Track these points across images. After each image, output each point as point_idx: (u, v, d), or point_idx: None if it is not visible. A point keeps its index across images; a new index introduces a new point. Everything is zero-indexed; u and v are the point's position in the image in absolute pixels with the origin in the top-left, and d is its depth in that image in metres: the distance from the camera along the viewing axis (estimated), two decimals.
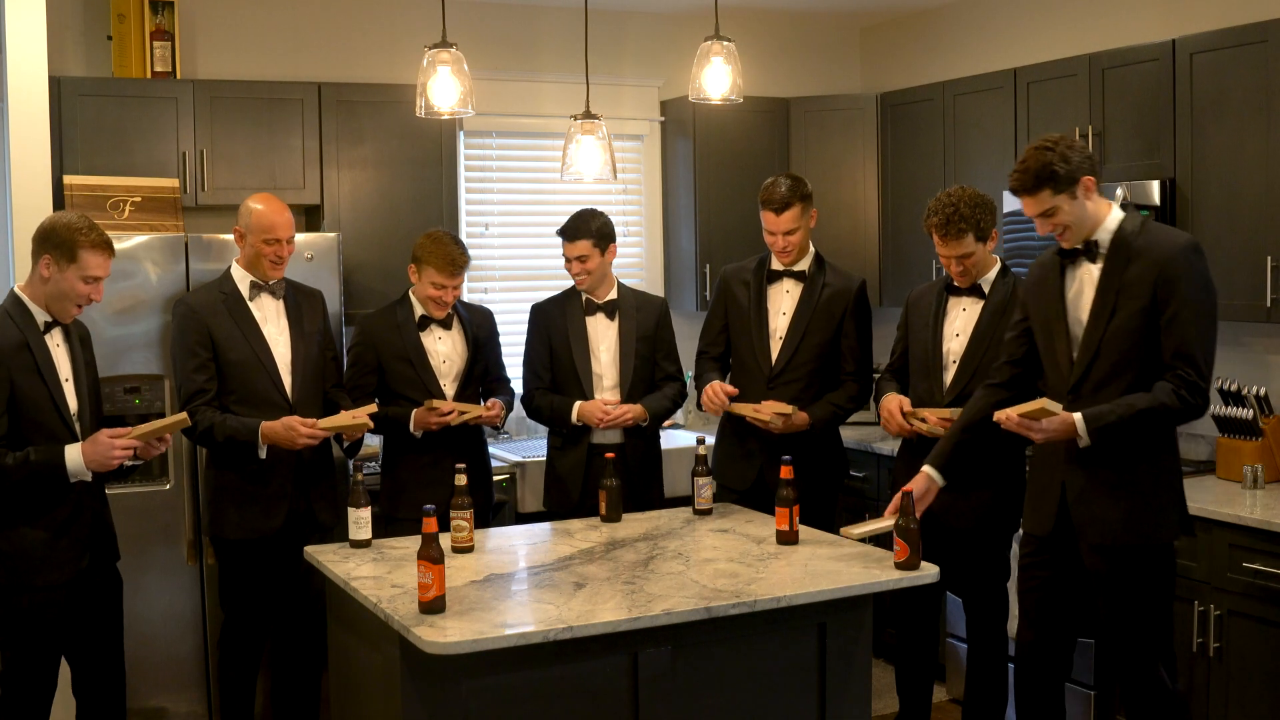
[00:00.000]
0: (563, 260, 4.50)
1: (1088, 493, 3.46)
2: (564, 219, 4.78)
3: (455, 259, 4.28)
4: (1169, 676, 3.51)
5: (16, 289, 3.65)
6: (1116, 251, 3.41)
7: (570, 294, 4.58)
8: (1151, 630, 3.46)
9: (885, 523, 3.59)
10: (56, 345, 3.65)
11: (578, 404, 4.43)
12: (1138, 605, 3.45)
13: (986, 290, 4.03)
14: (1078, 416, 3.38)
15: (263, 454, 4.02)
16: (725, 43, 3.91)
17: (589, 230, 4.42)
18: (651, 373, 4.57)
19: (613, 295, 4.54)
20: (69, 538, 3.61)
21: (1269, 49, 4.12)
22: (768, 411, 4.20)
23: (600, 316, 4.51)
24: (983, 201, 3.96)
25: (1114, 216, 3.46)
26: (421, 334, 4.36)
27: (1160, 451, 3.44)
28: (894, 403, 4.07)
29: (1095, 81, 4.72)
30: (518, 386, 4.64)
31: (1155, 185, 4.42)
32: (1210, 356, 3.36)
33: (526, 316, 4.65)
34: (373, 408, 4.09)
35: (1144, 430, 3.37)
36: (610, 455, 4.10)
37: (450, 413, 4.23)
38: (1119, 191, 4.47)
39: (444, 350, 4.38)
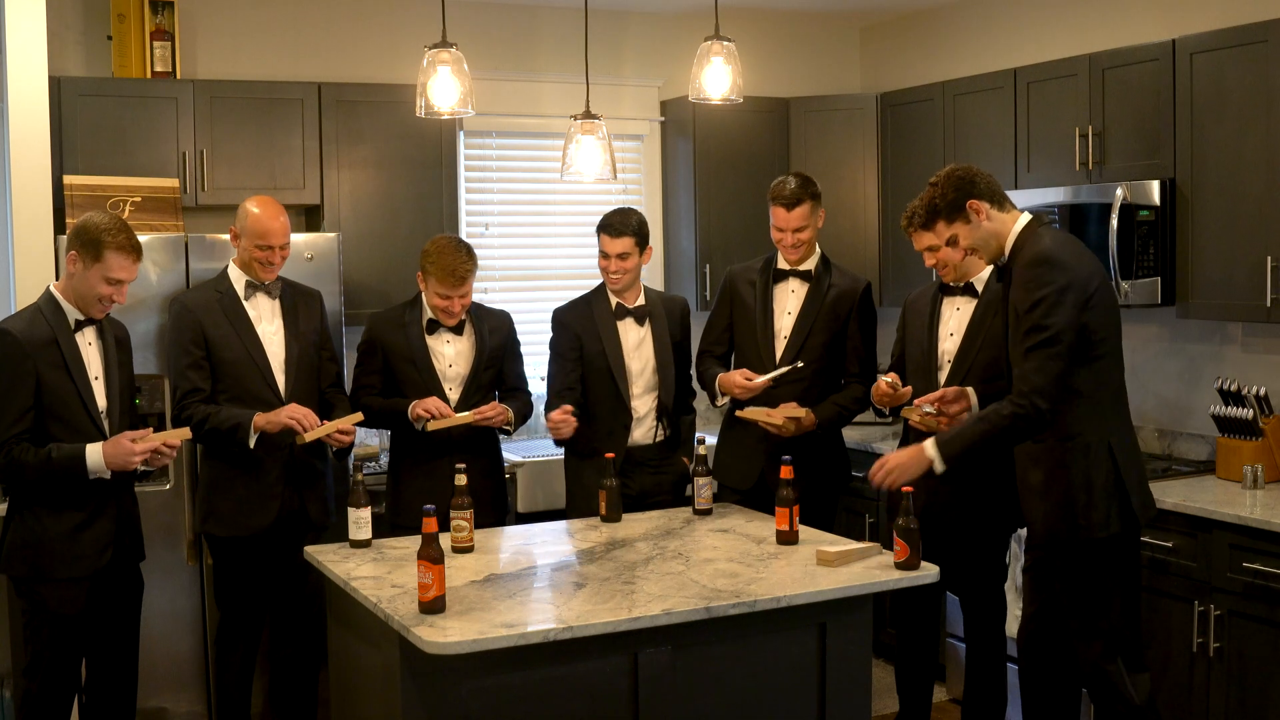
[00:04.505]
0: (574, 258, 4.41)
1: (1021, 491, 3.60)
2: (564, 219, 4.79)
3: (456, 269, 4.17)
4: (1128, 679, 3.48)
5: (52, 286, 3.71)
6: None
7: (595, 297, 4.47)
8: (1077, 624, 3.50)
9: (858, 545, 3.60)
10: (88, 344, 3.70)
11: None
12: (1060, 599, 3.53)
13: (979, 289, 4.04)
14: (929, 443, 3.54)
15: (252, 443, 4.00)
16: (725, 43, 3.91)
17: (632, 227, 4.34)
18: (687, 375, 4.55)
19: (641, 300, 4.46)
20: (92, 532, 3.65)
21: (1269, 49, 4.12)
22: (780, 416, 4.19)
23: (630, 321, 4.42)
24: None
25: (1011, 236, 3.56)
26: (429, 336, 4.30)
27: (1084, 449, 3.45)
28: (880, 382, 4.08)
29: (1095, 81, 4.72)
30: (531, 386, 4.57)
31: (1155, 185, 4.42)
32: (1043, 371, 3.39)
33: (527, 317, 4.62)
34: (358, 416, 4.10)
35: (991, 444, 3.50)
36: (610, 455, 4.10)
37: (435, 416, 4.14)
38: (1118, 192, 4.47)
39: (449, 354, 4.32)
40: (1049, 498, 3.48)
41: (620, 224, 4.33)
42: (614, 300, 4.42)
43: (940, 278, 4.11)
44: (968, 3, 5.86)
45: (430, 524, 3.03)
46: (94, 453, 3.55)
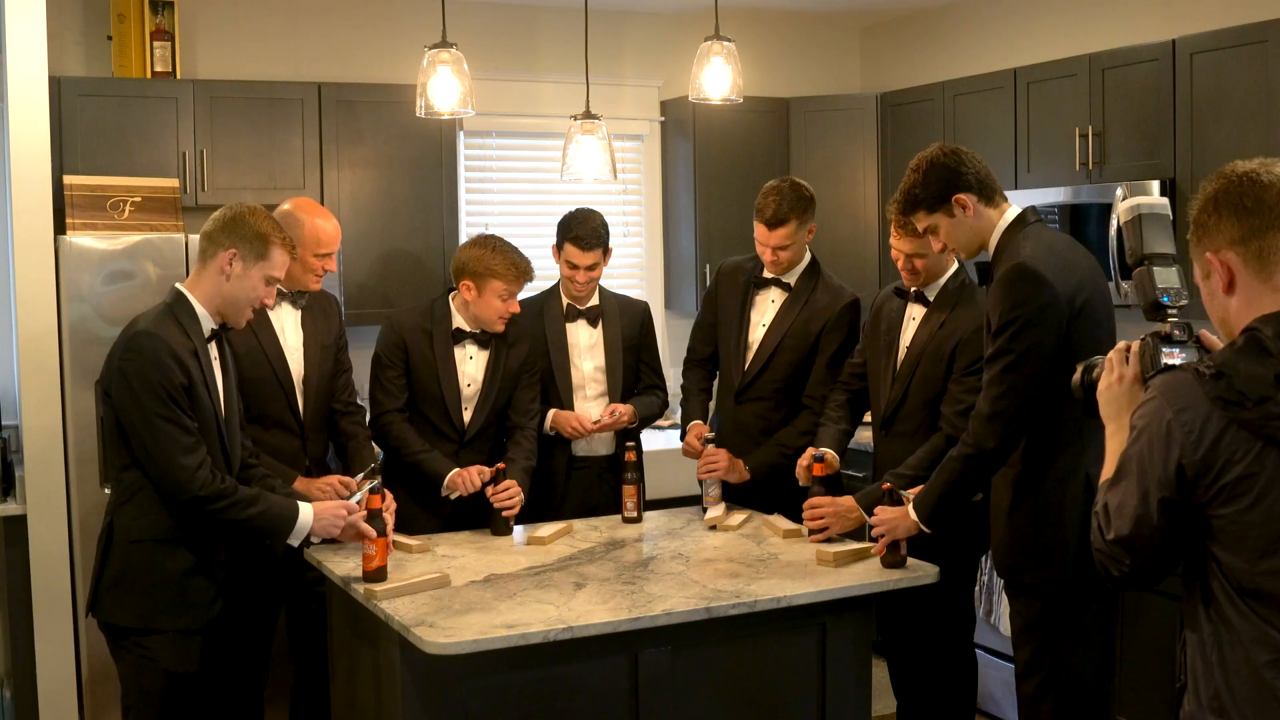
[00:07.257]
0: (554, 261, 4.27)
1: (992, 516, 3.31)
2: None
3: (525, 268, 3.95)
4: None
5: (183, 289, 3.19)
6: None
7: (548, 296, 4.30)
8: (1048, 669, 3.11)
9: (858, 545, 3.56)
10: (214, 357, 3.25)
11: (552, 411, 4.15)
12: (1032, 643, 3.15)
13: (931, 299, 3.71)
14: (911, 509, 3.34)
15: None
16: (725, 43, 3.91)
17: (602, 237, 4.15)
18: (636, 381, 4.35)
19: (594, 301, 4.27)
20: (211, 571, 3.21)
21: (1269, 49, 4.12)
22: (720, 508, 3.99)
23: (582, 323, 4.24)
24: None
25: (995, 234, 3.22)
26: (454, 346, 4.01)
27: (1060, 480, 3.10)
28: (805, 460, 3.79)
29: (1095, 81, 4.72)
30: None
31: (1155, 185, 4.42)
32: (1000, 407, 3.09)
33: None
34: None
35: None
36: (630, 458, 3.97)
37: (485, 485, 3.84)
38: (1118, 192, 4.47)
39: (470, 371, 4.01)
40: (1014, 529, 3.16)
41: (591, 235, 4.11)
42: (565, 301, 4.26)
43: (899, 282, 3.81)
44: (968, 3, 5.87)
45: (374, 501, 3.29)
46: (306, 513, 3.15)
